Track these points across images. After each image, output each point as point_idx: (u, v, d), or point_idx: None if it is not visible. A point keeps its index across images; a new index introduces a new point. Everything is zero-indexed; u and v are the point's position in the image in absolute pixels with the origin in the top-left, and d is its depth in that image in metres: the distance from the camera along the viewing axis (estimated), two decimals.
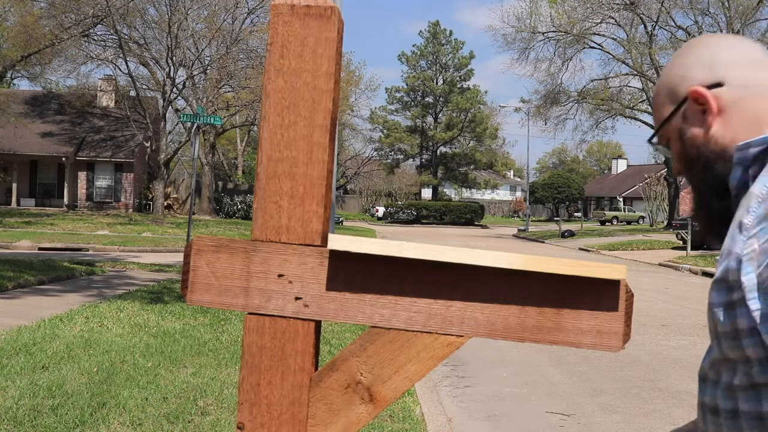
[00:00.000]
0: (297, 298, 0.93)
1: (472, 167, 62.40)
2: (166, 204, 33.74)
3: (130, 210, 35.11)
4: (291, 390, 0.93)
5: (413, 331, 0.93)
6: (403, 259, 0.90)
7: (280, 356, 0.93)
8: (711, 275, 16.84)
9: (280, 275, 0.92)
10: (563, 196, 61.04)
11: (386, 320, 0.93)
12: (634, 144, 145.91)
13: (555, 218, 54.66)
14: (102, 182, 35.81)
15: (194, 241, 0.94)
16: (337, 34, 0.90)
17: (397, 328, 0.93)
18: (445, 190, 66.75)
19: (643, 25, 34.00)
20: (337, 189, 46.53)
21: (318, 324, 0.95)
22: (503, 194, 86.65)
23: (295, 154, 0.91)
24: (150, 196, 35.37)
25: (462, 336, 0.94)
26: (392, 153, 62.13)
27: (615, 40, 35.11)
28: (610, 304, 0.93)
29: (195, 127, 17.00)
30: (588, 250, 27.38)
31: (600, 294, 0.92)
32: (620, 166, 75.73)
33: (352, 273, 0.92)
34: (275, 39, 0.91)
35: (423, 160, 62.84)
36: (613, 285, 0.92)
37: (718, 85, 1.01)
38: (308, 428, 0.93)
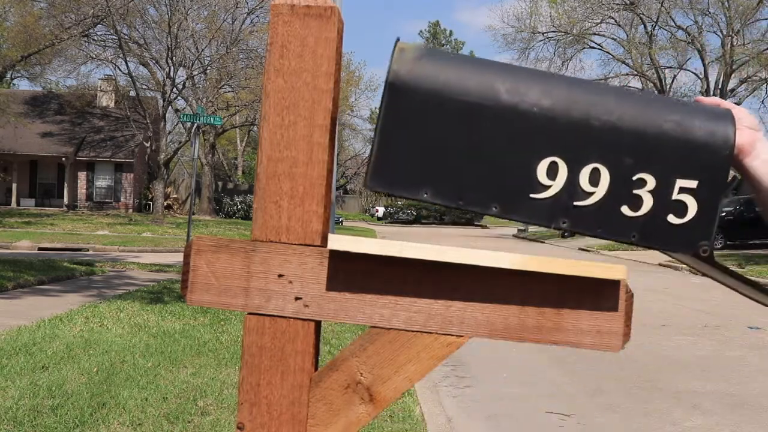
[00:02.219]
0: (297, 298, 0.93)
1: None
2: (166, 204, 33.75)
3: (130, 210, 35.11)
4: (291, 390, 0.93)
5: (413, 331, 0.93)
6: (404, 260, 0.90)
7: (280, 356, 0.93)
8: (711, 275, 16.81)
9: (280, 275, 0.93)
10: None
11: (386, 320, 0.93)
12: None
13: None
14: (102, 182, 35.82)
15: (194, 241, 0.94)
16: (337, 35, 0.91)
17: (397, 328, 0.93)
18: None
19: (643, 25, 34.00)
20: (337, 189, 46.53)
21: (318, 324, 0.95)
22: None
23: (295, 154, 0.91)
24: (150, 196, 35.38)
25: (462, 336, 0.94)
26: None
27: (615, 40, 35.12)
28: (610, 305, 0.93)
29: (195, 127, 17.01)
30: (588, 250, 27.38)
31: (600, 294, 0.93)
32: None
33: (352, 273, 0.93)
34: (275, 39, 0.91)
35: None
36: (613, 285, 0.92)
37: None
38: (308, 428, 0.93)
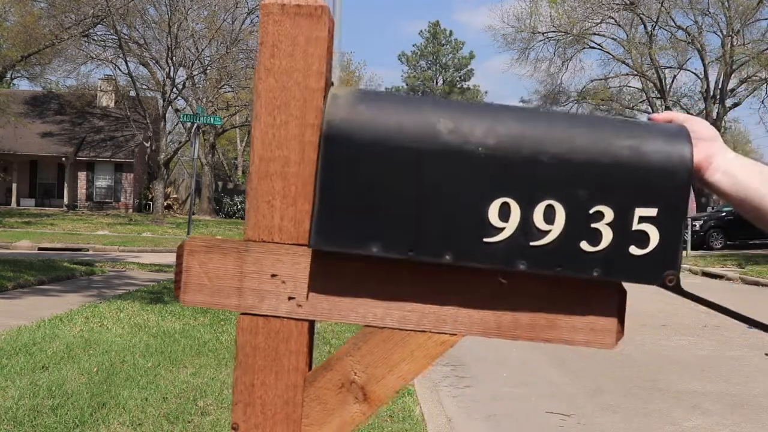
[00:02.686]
0: (290, 298, 0.93)
1: None
2: (166, 204, 33.77)
3: (130, 210, 35.13)
4: (285, 390, 0.93)
5: (407, 330, 0.93)
6: (397, 258, 0.90)
7: (274, 356, 0.93)
8: (711, 275, 16.83)
9: (273, 275, 0.93)
10: None
11: (380, 319, 0.93)
12: None
13: None
14: (102, 182, 35.83)
15: (186, 242, 0.94)
16: (327, 34, 0.91)
17: (391, 327, 0.93)
18: None
19: (643, 25, 34.00)
20: None
21: (312, 324, 0.96)
22: None
23: (287, 153, 0.92)
24: (150, 196, 35.39)
25: (455, 335, 0.94)
26: None
27: (615, 40, 35.12)
28: (604, 302, 0.93)
29: (195, 127, 17.02)
30: None
31: (593, 291, 0.93)
32: None
33: (345, 272, 0.93)
34: (266, 39, 0.91)
35: None
36: (606, 283, 0.92)
37: None
38: (302, 428, 0.93)
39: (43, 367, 5.65)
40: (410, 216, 0.86)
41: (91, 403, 4.76)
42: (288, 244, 0.92)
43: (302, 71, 0.91)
